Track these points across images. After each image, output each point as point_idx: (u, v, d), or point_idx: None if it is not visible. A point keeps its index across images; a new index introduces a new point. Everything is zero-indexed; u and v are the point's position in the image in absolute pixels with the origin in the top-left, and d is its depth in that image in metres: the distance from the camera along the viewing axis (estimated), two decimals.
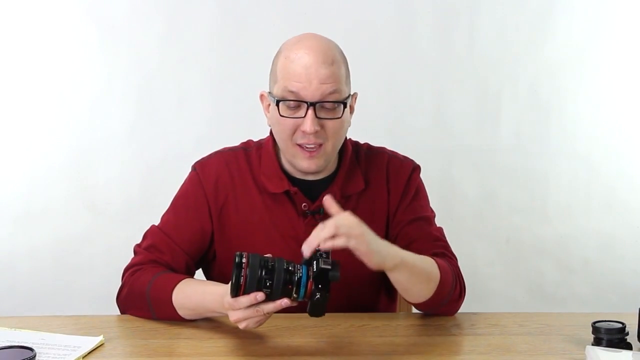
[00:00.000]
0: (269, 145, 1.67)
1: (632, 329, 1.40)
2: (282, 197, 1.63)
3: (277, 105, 1.54)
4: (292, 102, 1.53)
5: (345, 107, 1.56)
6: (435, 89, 2.78)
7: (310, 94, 1.51)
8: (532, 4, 2.77)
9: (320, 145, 1.55)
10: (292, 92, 1.52)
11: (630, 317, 1.43)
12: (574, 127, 2.82)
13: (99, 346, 1.42)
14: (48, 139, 2.68)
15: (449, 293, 1.55)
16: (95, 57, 2.67)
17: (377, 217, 1.66)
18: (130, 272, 1.63)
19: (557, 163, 2.83)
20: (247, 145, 1.71)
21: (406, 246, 1.58)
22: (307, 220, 1.62)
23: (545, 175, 2.83)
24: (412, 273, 1.46)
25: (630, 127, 2.82)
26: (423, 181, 1.77)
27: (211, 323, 1.54)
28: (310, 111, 1.51)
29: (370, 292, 1.73)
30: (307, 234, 1.55)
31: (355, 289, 1.67)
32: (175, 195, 1.72)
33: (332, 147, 1.58)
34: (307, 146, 1.55)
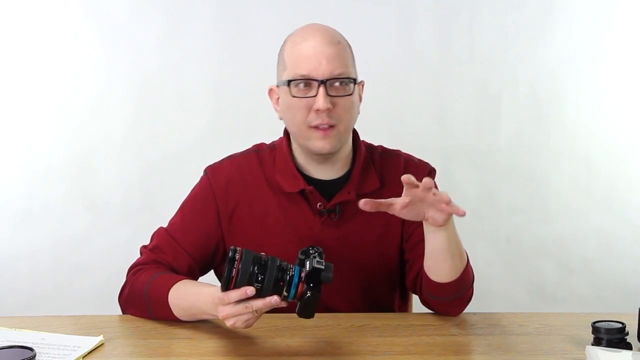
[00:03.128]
0: (283, 145, 1.67)
1: (632, 329, 1.40)
2: (297, 197, 1.63)
3: (289, 86, 1.56)
4: (303, 82, 1.55)
5: (355, 84, 1.59)
6: (435, 89, 2.78)
7: (320, 73, 1.54)
8: (532, 4, 2.77)
9: (333, 126, 1.56)
10: (302, 73, 1.55)
11: (630, 317, 1.43)
12: (574, 127, 2.82)
13: (99, 346, 1.41)
14: (48, 138, 2.68)
15: (467, 285, 1.56)
16: (95, 57, 2.67)
17: (393, 216, 1.65)
18: (132, 271, 1.64)
19: (557, 163, 2.83)
20: (259, 148, 1.72)
21: (417, 243, 1.61)
22: (322, 219, 1.63)
23: (545, 175, 2.83)
24: (454, 239, 1.49)
25: (630, 127, 2.82)
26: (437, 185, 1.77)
27: (211, 323, 1.54)
28: (321, 89, 1.54)
29: (386, 292, 1.73)
30: (323, 233, 1.56)
31: (372, 289, 1.68)
32: (185, 198, 1.72)
33: (344, 128, 1.59)
34: (322, 126, 1.56)
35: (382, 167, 1.71)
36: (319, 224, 1.62)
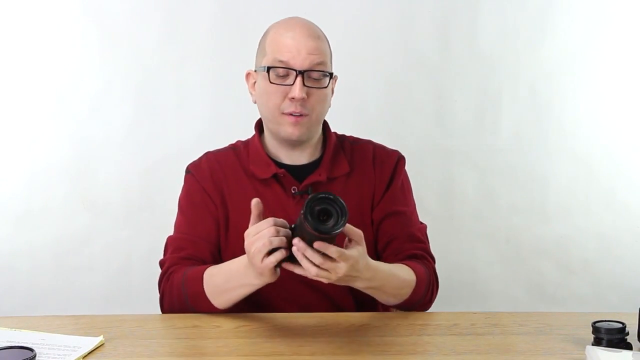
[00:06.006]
0: (255, 138, 1.77)
1: (632, 329, 1.40)
2: (271, 181, 1.72)
3: (268, 72, 1.64)
4: (282, 69, 1.64)
5: (330, 78, 1.67)
6: (435, 89, 2.78)
7: (299, 63, 1.63)
8: (532, 4, 2.77)
9: (305, 115, 1.65)
10: (282, 61, 1.64)
11: (630, 317, 1.43)
12: (573, 127, 2.81)
13: (99, 346, 1.41)
14: (48, 138, 2.68)
15: (419, 301, 1.64)
16: (95, 57, 2.67)
17: (364, 200, 1.75)
18: (164, 280, 1.67)
19: (557, 163, 2.83)
20: (234, 146, 1.82)
21: (386, 244, 1.70)
22: (296, 200, 1.70)
23: (545, 175, 2.83)
24: (381, 290, 1.57)
25: (629, 127, 2.82)
26: (408, 173, 1.85)
27: (211, 323, 1.54)
28: (299, 79, 1.62)
29: None
30: (297, 213, 1.60)
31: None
32: (179, 202, 1.79)
33: (316, 118, 1.68)
34: (294, 113, 1.64)
35: (352, 153, 1.79)
36: (292, 205, 1.69)
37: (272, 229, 1.39)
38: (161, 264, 1.71)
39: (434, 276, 1.72)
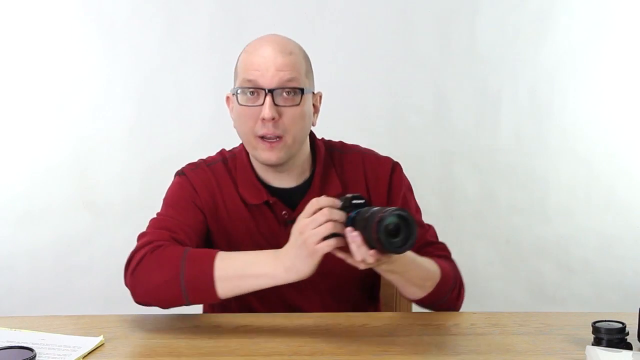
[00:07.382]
0: (243, 155, 1.67)
1: (632, 329, 1.39)
2: (263, 207, 1.63)
3: (236, 95, 1.56)
4: (250, 89, 1.54)
5: (303, 94, 1.56)
6: (435, 89, 2.78)
7: (268, 81, 1.53)
8: (532, 4, 2.77)
9: (280, 137, 1.55)
10: (250, 80, 1.55)
11: (630, 317, 1.43)
12: (573, 127, 2.82)
13: (99, 346, 1.41)
14: (49, 138, 2.68)
15: (445, 295, 1.59)
16: (95, 57, 2.67)
17: None
18: (148, 251, 1.49)
19: (557, 163, 2.83)
20: (223, 157, 1.70)
21: None
22: (287, 228, 1.55)
23: (545, 175, 2.83)
24: (407, 273, 1.51)
25: (629, 127, 2.82)
26: (407, 176, 1.75)
27: (211, 323, 1.54)
28: (268, 98, 1.52)
29: (357, 295, 1.73)
30: (288, 239, 1.49)
31: (343, 294, 1.68)
32: (165, 199, 1.69)
33: (292, 140, 1.57)
34: (267, 137, 1.54)
35: (342, 167, 1.69)
36: (284, 233, 1.53)
37: (331, 215, 1.33)
38: (141, 235, 1.57)
39: (459, 273, 1.66)
